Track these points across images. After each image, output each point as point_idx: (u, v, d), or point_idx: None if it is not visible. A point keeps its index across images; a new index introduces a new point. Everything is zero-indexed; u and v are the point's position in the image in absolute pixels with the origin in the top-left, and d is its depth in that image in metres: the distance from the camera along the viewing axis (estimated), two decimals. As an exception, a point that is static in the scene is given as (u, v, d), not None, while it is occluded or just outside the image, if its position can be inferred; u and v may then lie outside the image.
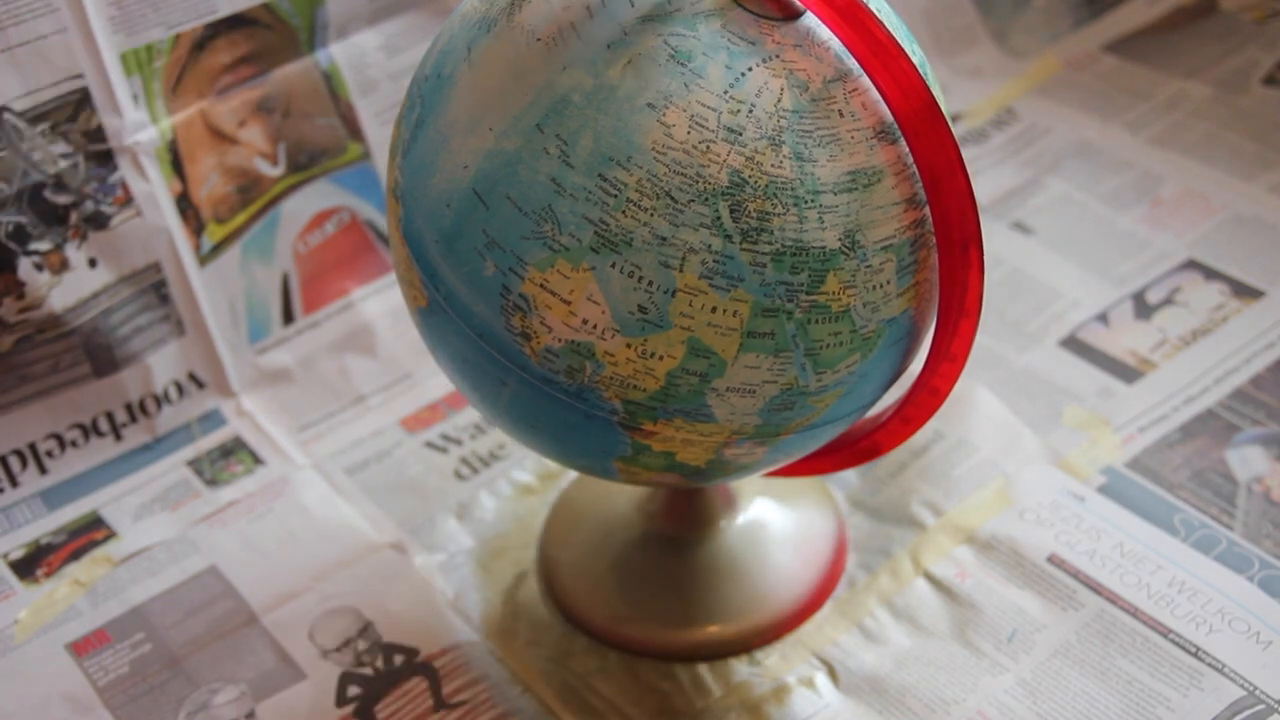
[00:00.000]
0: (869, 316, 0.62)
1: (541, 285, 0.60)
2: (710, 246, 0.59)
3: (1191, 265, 1.00)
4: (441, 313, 0.65)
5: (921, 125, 0.61)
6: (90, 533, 0.89)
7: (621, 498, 0.84)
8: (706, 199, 0.59)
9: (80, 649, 0.82)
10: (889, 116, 0.61)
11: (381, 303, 1.01)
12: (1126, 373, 0.93)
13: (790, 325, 0.61)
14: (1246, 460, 0.86)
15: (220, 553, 0.87)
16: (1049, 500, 0.84)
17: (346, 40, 0.99)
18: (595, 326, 0.60)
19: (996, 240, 1.03)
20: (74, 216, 0.89)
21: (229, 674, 0.80)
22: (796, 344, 0.61)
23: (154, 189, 0.91)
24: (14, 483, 0.90)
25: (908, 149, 0.62)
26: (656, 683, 0.78)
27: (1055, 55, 1.20)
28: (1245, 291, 0.97)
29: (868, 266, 0.61)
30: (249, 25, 0.94)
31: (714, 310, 0.60)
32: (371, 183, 1.01)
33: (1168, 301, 0.97)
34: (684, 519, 0.82)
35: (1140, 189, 1.06)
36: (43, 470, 0.91)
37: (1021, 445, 0.88)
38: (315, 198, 0.99)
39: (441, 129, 0.63)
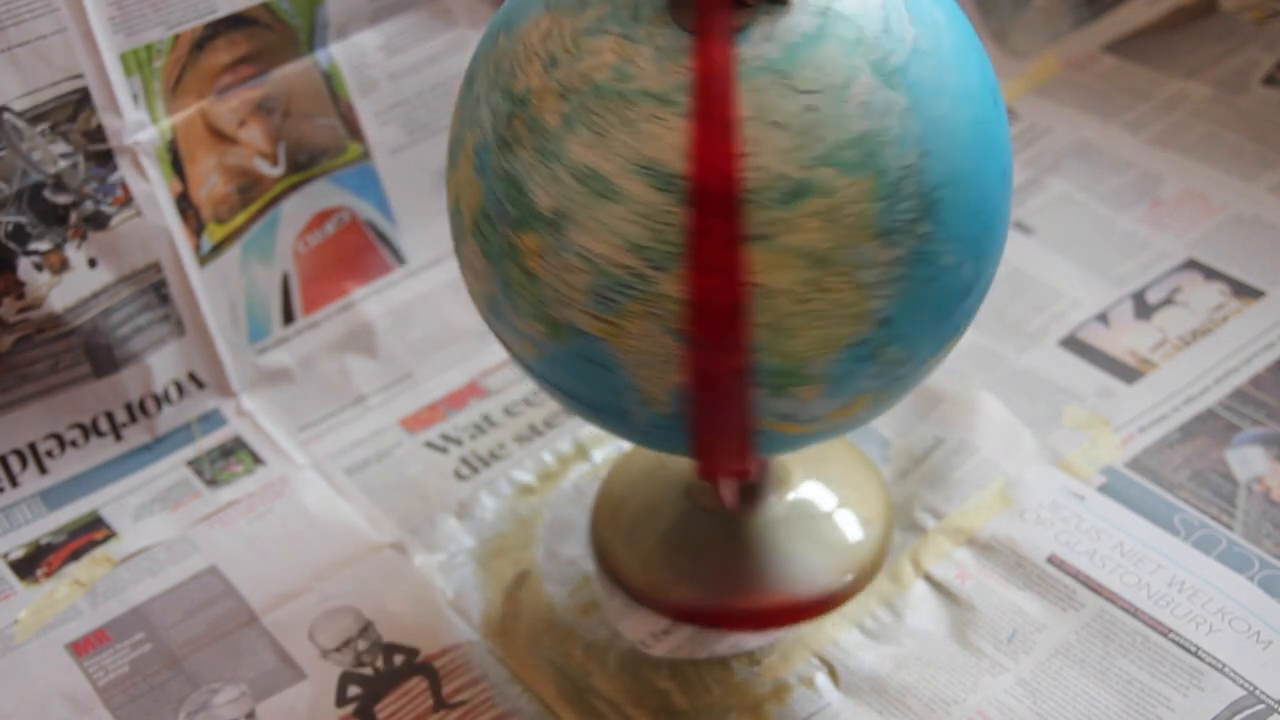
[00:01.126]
0: (554, 303, 0.63)
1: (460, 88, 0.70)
2: (485, 131, 0.65)
3: (1191, 265, 1.00)
4: None
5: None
6: (90, 533, 0.89)
7: (668, 472, 0.86)
8: (506, 95, 0.64)
9: (80, 649, 0.82)
10: (672, 169, 0.60)
11: (381, 303, 1.01)
12: (1126, 373, 0.93)
13: (496, 243, 0.64)
14: (1246, 460, 0.86)
15: (220, 553, 0.87)
16: (1049, 500, 0.84)
17: (346, 40, 0.99)
18: (449, 137, 0.70)
19: (996, 240, 1.03)
20: (74, 216, 0.89)
21: (229, 674, 0.80)
22: (497, 264, 0.65)
23: (154, 189, 0.91)
24: (14, 483, 0.90)
25: (661, 208, 0.61)
26: (657, 683, 0.78)
27: (1055, 55, 1.20)
28: (1245, 291, 0.97)
29: (564, 255, 0.62)
30: (249, 25, 0.94)
31: (467, 181, 0.66)
32: (371, 183, 1.01)
33: (1168, 301, 0.97)
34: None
35: (1140, 189, 1.06)
36: (43, 470, 0.91)
37: (1021, 445, 0.88)
38: (315, 198, 0.99)
39: None
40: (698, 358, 0.62)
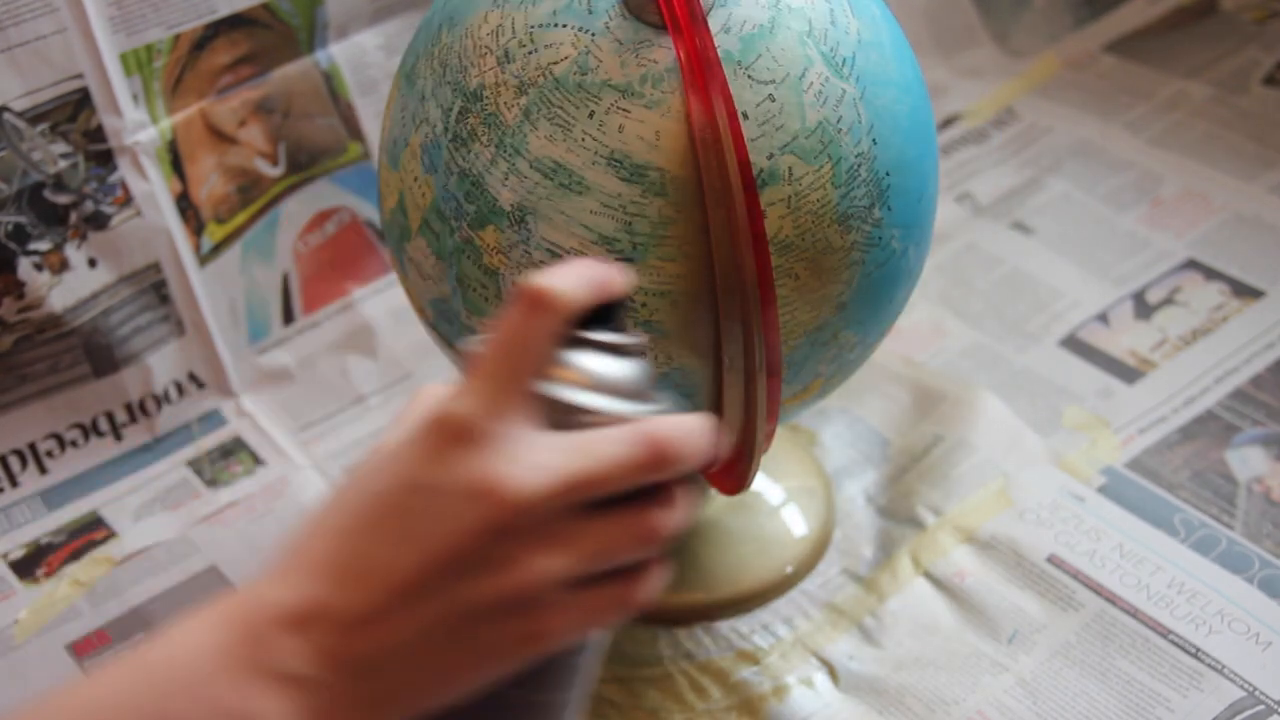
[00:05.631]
0: None
1: (396, 84, 0.70)
2: (435, 126, 0.65)
3: (1191, 265, 1.00)
4: None
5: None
6: (90, 533, 0.89)
7: None
8: (455, 89, 0.64)
9: (80, 649, 0.82)
10: (641, 159, 0.61)
11: (381, 303, 1.01)
12: (1126, 373, 0.93)
13: (450, 241, 0.64)
14: (1246, 460, 0.86)
15: (220, 553, 0.87)
16: (1049, 500, 0.84)
17: (346, 40, 0.99)
18: (383, 135, 0.70)
19: (996, 240, 1.03)
20: (74, 216, 0.89)
21: (229, 674, 0.80)
22: (451, 263, 0.65)
23: (154, 189, 0.91)
24: (14, 483, 0.90)
25: (630, 199, 0.61)
26: (656, 683, 0.78)
27: (1055, 55, 1.20)
28: (1245, 291, 0.97)
29: (526, 251, 0.63)
30: (249, 25, 0.94)
31: (415, 179, 0.66)
32: (371, 183, 1.01)
33: (1168, 301, 0.97)
34: None
35: (1140, 189, 1.06)
36: (43, 470, 0.91)
37: (1022, 446, 0.88)
38: (315, 198, 0.99)
39: None
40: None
